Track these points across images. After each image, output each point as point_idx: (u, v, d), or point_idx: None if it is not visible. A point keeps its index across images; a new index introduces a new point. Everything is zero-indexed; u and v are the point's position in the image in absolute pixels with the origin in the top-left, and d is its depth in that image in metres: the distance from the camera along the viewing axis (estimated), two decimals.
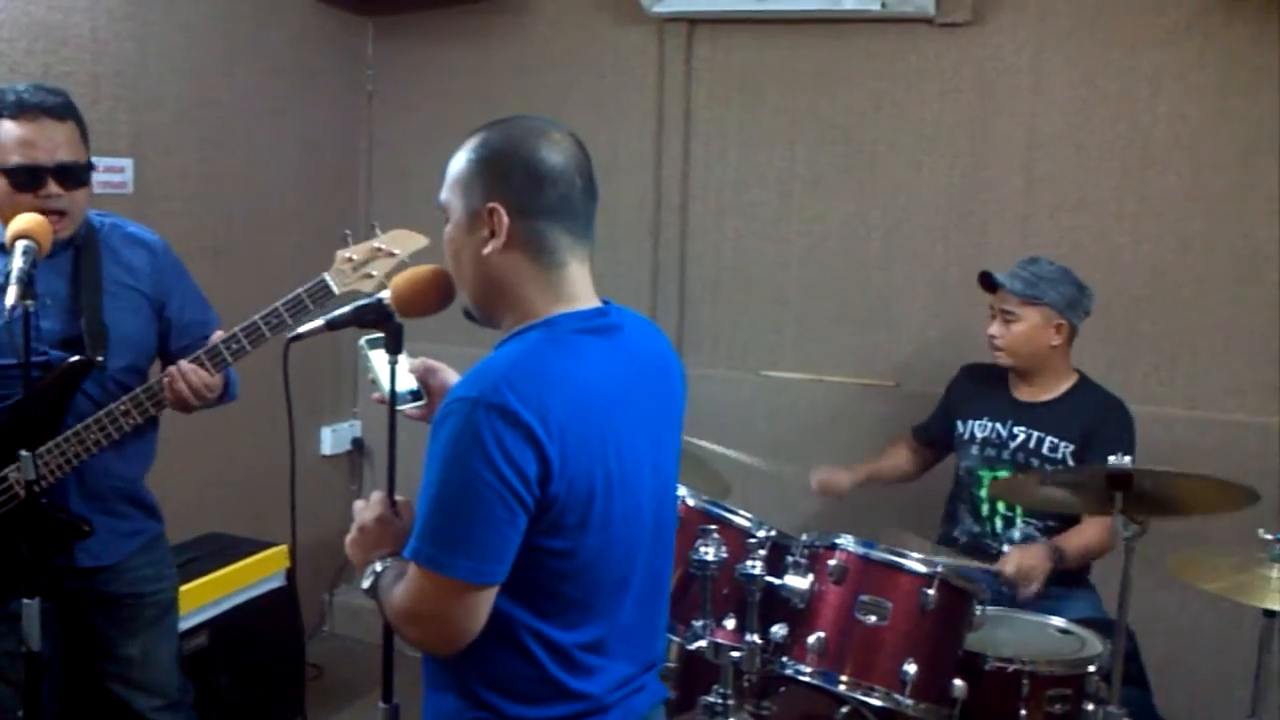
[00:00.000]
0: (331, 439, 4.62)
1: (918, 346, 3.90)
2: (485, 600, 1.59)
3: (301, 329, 1.91)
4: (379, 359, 1.88)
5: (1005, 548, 3.11)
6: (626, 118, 4.21)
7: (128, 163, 3.59)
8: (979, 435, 3.25)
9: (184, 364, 2.48)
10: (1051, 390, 3.23)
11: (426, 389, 1.95)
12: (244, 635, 3.65)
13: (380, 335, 1.85)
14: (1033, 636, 2.80)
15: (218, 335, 2.53)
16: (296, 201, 4.29)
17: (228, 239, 4.01)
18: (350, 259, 2.50)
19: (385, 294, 1.83)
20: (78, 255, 2.55)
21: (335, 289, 2.49)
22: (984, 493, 3.21)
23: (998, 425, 3.23)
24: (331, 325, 1.88)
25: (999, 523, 3.19)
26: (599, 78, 4.24)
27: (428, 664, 1.76)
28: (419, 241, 2.51)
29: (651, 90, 4.16)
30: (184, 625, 3.38)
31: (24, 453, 2.24)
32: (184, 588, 3.38)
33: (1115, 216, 3.65)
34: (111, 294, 2.57)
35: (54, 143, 2.42)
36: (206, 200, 3.93)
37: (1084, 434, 3.13)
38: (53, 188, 2.42)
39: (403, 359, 1.87)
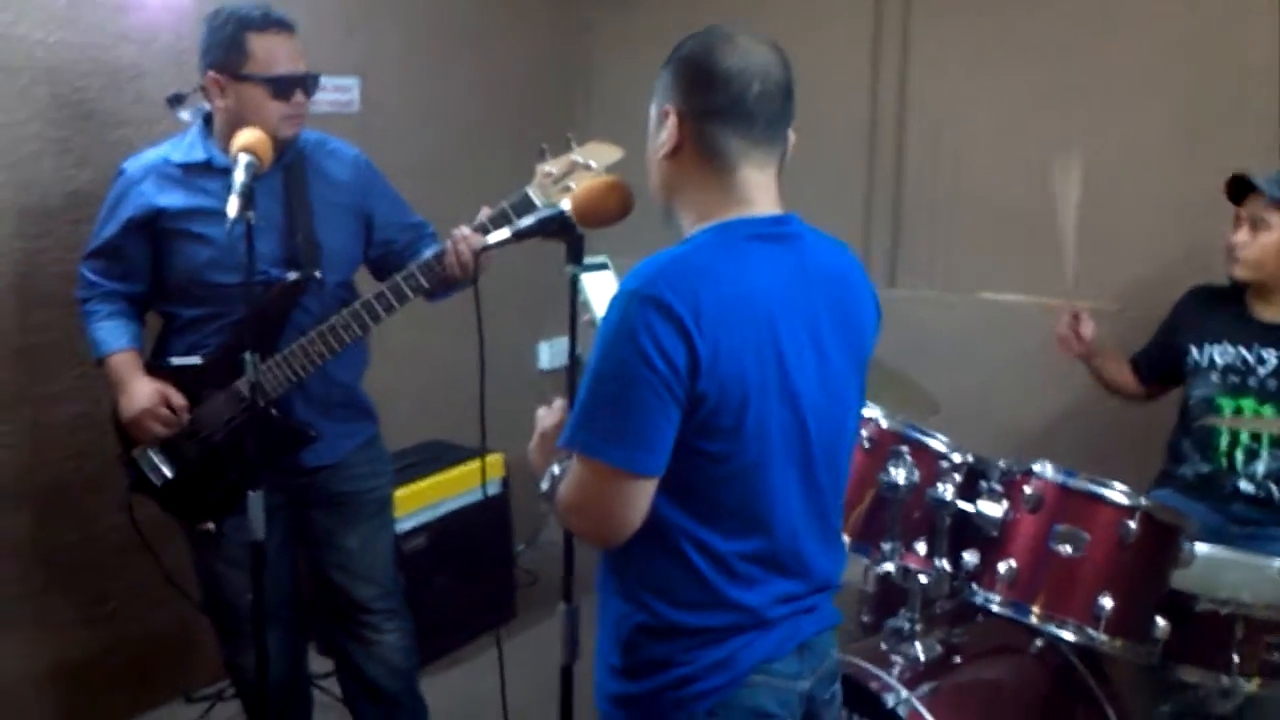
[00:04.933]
0: (550, 354, 4.75)
1: (1145, 270, 3.67)
2: (641, 491, 1.62)
3: (490, 240, 1.97)
4: (591, 282, 1.93)
5: (1243, 484, 2.94)
6: (842, 34, 4.09)
7: (354, 82, 3.73)
8: (1219, 361, 3.03)
9: (462, 229, 2.52)
10: None
11: None
12: (461, 539, 3.84)
13: (592, 262, 1.90)
14: (1254, 579, 2.63)
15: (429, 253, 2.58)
16: (514, 126, 4.35)
17: (446, 159, 4.13)
18: (550, 172, 2.53)
19: (566, 205, 1.87)
20: (286, 176, 2.66)
21: (538, 202, 2.51)
22: (1223, 424, 2.99)
23: (1241, 349, 3.01)
24: (518, 236, 1.94)
25: (1240, 456, 2.98)
26: None
27: (600, 570, 1.80)
28: (615, 153, 2.52)
29: (868, 5, 4.04)
30: (404, 527, 3.60)
31: (246, 356, 2.34)
32: (404, 491, 3.60)
33: None
34: (321, 212, 2.69)
35: (298, 54, 2.60)
36: (429, 121, 4.06)
37: None
38: (300, 96, 2.60)
39: (610, 279, 1.91)
